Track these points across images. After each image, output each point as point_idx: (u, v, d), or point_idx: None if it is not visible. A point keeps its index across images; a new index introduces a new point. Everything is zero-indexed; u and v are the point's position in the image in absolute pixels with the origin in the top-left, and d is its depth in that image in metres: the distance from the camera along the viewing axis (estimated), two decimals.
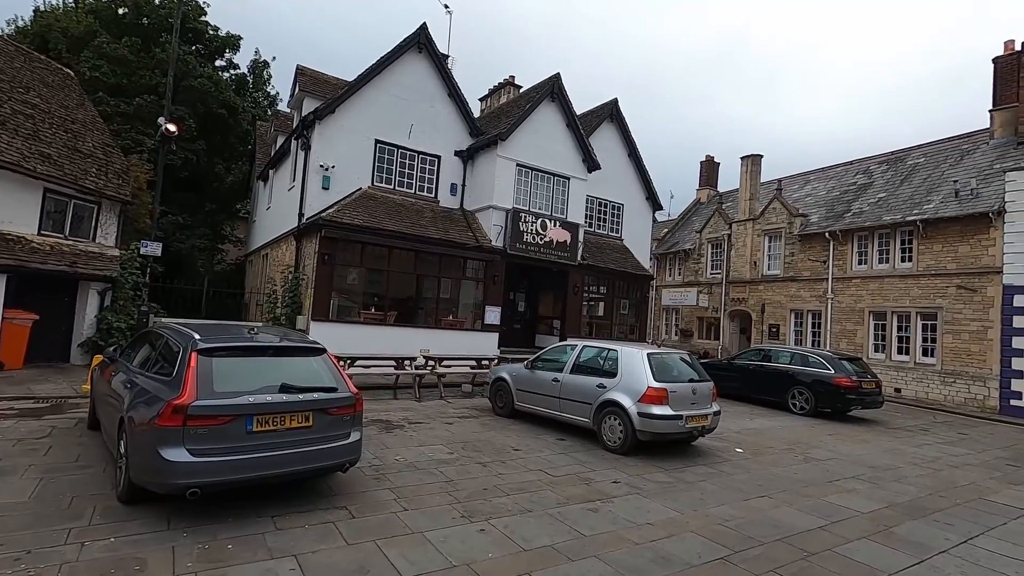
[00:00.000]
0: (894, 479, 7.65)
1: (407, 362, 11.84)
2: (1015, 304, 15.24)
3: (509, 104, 19.95)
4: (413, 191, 16.20)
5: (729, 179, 45.19)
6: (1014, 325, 15.23)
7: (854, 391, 12.42)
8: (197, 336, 4.99)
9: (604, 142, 19.86)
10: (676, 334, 27.17)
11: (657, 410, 7.53)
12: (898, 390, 17.61)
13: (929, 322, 17.45)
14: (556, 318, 18.72)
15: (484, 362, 12.97)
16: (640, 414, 7.53)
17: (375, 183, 15.50)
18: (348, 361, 10.95)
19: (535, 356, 9.88)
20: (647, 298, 21.49)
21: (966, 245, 16.66)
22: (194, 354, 4.73)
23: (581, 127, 17.79)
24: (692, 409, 7.87)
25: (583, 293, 18.43)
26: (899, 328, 18.22)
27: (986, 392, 15.82)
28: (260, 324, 6.92)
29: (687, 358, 8.82)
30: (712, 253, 25.91)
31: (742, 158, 24.78)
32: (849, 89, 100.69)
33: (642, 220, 21.53)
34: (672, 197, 54.10)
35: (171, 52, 13.36)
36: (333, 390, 5.22)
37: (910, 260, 18.06)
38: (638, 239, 21.16)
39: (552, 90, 17.12)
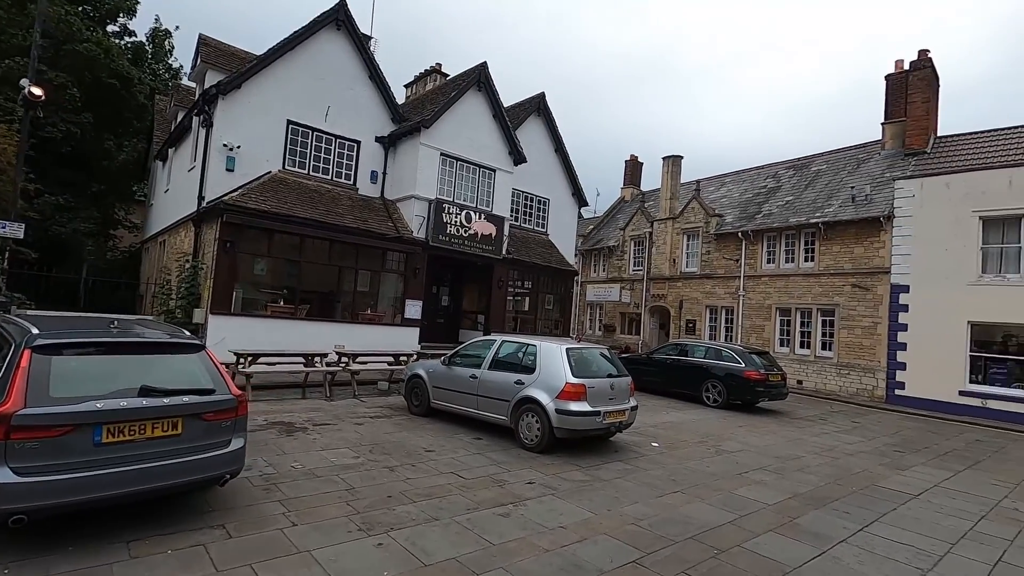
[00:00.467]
0: (797, 469, 7.94)
1: (318, 359, 11.08)
2: (900, 301, 16.62)
3: (435, 91, 19.30)
4: (330, 177, 15.23)
5: (652, 179, 46.80)
6: (899, 321, 16.61)
7: (762, 384, 12.99)
8: (35, 330, 4.16)
9: (531, 136, 19.68)
10: (600, 329, 27.67)
11: (575, 406, 7.35)
12: (800, 382, 18.77)
13: (828, 318, 18.72)
14: (480, 313, 18.39)
15: (402, 358, 12.39)
16: (558, 411, 7.33)
17: (287, 167, 14.41)
18: (250, 358, 10.05)
19: (453, 352, 9.47)
20: (572, 293, 21.62)
21: (861, 247, 17.99)
22: (27, 352, 3.93)
23: (508, 120, 17.51)
24: (610, 404, 7.78)
25: (508, 287, 18.20)
26: (802, 323, 19.43)
27: (875, 383, 17.17)
28: (133, 317, 6.04)
29: (606, 353, 8.74)
30: (635, 250, 26.56)
31: (664, 158, 25.53)
32: (774, 96, 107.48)
33: (568, 215, 21.60)
34: (599, 195, 55.53)
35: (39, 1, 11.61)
36: (210, 392, 4.56)
37: (813, 260, 19.28)
38: (563, 234, 21.20)
39: (479, 79, 16.69)
